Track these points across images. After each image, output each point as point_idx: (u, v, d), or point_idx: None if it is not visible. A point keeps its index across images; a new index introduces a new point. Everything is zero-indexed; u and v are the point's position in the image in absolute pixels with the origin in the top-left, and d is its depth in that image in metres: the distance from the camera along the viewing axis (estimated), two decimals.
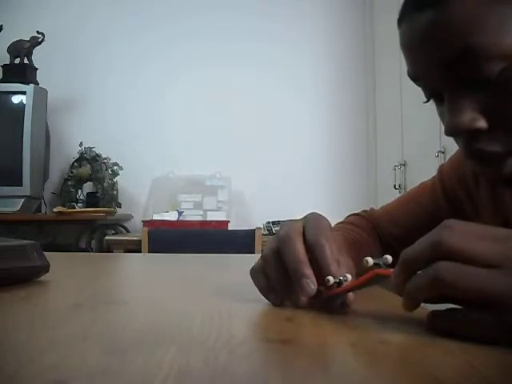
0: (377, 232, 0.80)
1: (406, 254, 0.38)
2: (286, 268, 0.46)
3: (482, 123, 0.49)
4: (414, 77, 0.54)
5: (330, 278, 0.44)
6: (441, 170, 0.77)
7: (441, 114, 0.54)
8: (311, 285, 0.44)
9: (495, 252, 0.35)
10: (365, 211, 0.86)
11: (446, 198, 0.75)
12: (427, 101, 0.55)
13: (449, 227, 0.37)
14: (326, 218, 0.50)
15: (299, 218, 0.52)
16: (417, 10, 0.50)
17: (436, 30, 0.49)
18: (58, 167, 2.85)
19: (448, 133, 0.51)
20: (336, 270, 0.45)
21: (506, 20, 0.46)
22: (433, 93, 0.54)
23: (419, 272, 0.37)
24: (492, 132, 0.49)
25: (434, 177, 0.78)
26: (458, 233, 0.36)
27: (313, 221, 0.49)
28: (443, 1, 0.48)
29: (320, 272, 0.45)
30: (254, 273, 0.50)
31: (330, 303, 0.46)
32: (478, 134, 0.50)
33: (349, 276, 0.44)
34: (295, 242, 0.46)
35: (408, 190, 0.85)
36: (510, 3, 0.46)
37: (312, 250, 0.46)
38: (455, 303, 0.37)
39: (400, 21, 0.54)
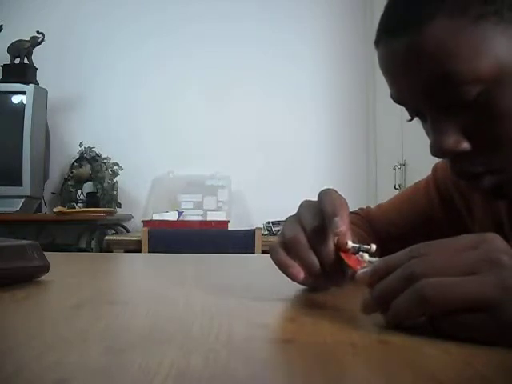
0: (373, 231, 0.80)
1: (380, 289, 0.38)
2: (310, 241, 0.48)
3: (465, 145, 0.50)
4: (396, 99, 0.54)
5: (350, 243, 0.46)
6: (435, 169, 0.78)
7: (427, 131, 0.54)
8: (342, 225, 0.46)
9: (470, 260, 0.36)
10: (361, 209, 0.87)
11: (440, 197, 0.75)
12: (411, 119, 0.56)
13: (415, 257, 0.37)
14: (339, 194, 0.52)
15: (298, 208, 0.54)
16: (391, 35, 0.50)
17: (411, 58, 0.49)
18: (58, 167, 2.85)
19: (433, 154, 0.52)
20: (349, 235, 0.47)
21: (479, 44, 0.46)
22: (416, 114, 0.54)
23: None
24: (475, 152, 0.50)
25: (428, 176, 0.79)
26: (427, 257, 0.37)
27: (329, 199, 0.50)
28: (417, 27, 0.48)
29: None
30: (274, 250, 0.51)
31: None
32: (463, 154, 0.50)
33: (373, 246, 0.46)
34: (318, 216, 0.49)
35: (403, 189, 0.85)
36: (481, 26, 0.46)
37: (329, 221, 0.48)
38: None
39: (376, 42, 0.54)
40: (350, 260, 0.46)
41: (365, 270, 0.42)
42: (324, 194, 0.52)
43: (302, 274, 0.48)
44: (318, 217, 0.50)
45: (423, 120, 0.54)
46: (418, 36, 0.48)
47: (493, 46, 0.47)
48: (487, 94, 0.47)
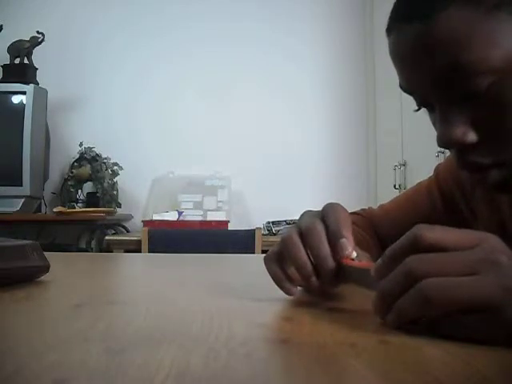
0: (375, 232, 0.80)
1: (383, 287, 0.38)
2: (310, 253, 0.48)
3: (472, 136, 0.50)
4: (405, 88, 0.54)
5: (354, 254, 0.47)
6: (437, 170, 0.78)
7: (433, 122, 0.54)
8: (348, 247, 0.46)
9: (469, 260, 0.36)
10: (363, 210, 0.86)
11: (443, 198, 0.75)
12: (418, 109, 0.55)
13: (415, 252, 0.37)
14: (344, 209, 0.51)
15: (299, 218, 0.53)
16: (405, 22, 0.50)
17: (424, 45, 0.48)
18: (58, 167, 2.85)
19: (440, 145, 0.51)
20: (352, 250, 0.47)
21: (493, 34, 0.46)
22: (424, 103, 0.54)
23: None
24: (482, 144, 0.50)
25: (430, 177, 0.79)
26: (427, 255, 0.37)
27: (332, 212, 0.50)
28: (431, 15, 0.47)
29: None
30: (269, 261, 0.50)
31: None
32: (470, 146, 0.50)
33: (354, 253, 0.47)
34: (321, 231, 0.48)
35: (405, 190, 0.85)
36: (495, 17, 0.46)
37: (333, 239, 0.47)
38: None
39: (389, 30, 0.53)
40: (355, 263, 0.46)
41: (376, 265, 0.42)
42: (329, 207, 0.51)
43: (294, 290, 0.48)
44: (318, 223, 0.49)
45: (430, 110, 0.54)
46: (431, 24, 0.47)
47: (506, 37, 0.46)
48: (498, 86, 0.47)
